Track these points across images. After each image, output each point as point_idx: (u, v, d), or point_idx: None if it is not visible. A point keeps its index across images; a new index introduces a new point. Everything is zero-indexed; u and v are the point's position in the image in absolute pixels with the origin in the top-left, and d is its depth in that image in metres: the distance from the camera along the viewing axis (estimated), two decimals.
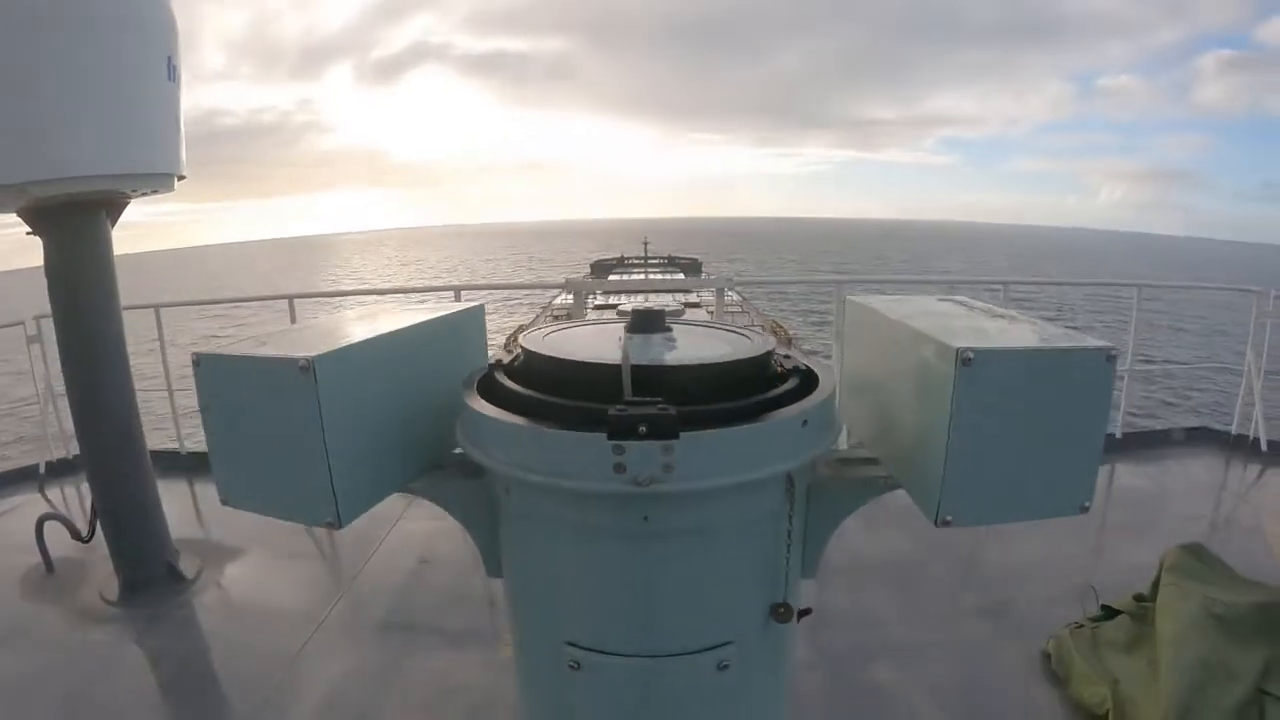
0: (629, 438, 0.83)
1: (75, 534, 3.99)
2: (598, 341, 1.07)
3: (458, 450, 1.06)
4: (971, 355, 0.87)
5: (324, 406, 0.91)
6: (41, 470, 5.29)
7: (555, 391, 0.95)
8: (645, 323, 1.08)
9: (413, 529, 4.19)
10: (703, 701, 0.99)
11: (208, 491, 4.68)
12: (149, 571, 3.73)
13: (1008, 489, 0.94)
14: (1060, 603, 3.20)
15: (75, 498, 4.98)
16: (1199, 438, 5.53)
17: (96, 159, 3.04)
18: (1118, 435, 5.37)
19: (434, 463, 1.13)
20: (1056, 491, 0.94)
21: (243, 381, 0.97)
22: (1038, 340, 0.98)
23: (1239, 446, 5.27)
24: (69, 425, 5.39)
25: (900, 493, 1.13)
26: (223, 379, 0.99)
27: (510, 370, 1.06)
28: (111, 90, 3.01)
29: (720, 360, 1.00)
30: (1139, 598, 3.04)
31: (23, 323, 5.34)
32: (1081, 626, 3.00)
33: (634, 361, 0.90)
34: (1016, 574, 3.65)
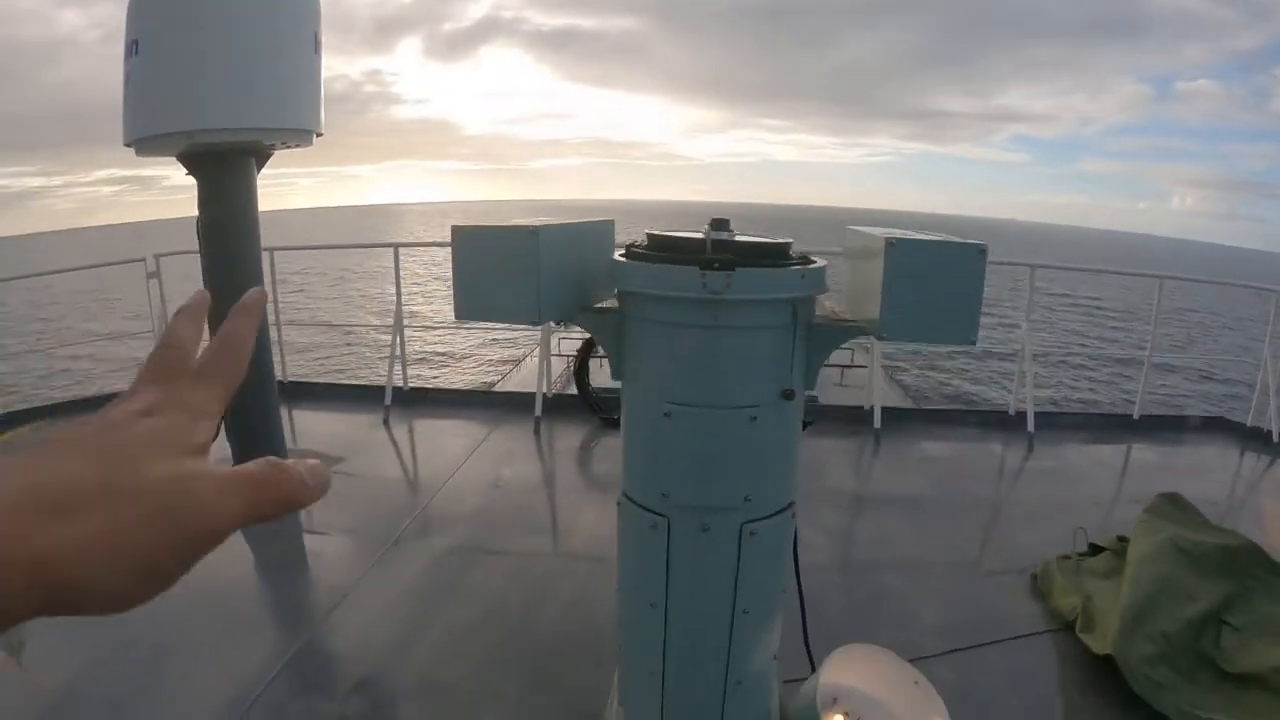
0: (708, 269, 1.46)
1: None
2: (692, 232, 1.71)
3: (596, 305, 1.70)
4: (894, 241, 1.42)
5: (541, 255, 1.50)
6: None
7: (670, 250, 1.59)
8: (719, 224, 1.66)
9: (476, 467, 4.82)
10: (741, 439, 1.60)
11: (316, 419, 5.34)
12: None
13: (918, 323, 1.49)
14: (1055, 544, 3.60)
15: None
16: (1215, 426, 5.82)
17: (249, 113, 3.67)
18: (1135, 417, 5.71)
19: (584, 306, 1.71)
20: (951, 329, 1.48)
21: (487, 242, 1.59)
22: (939, 238, 1.52)
23: (1253, 437, 5.53)
24: None
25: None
26: (470, 241, 1.60)
27: (638, 247, 1.68)
28: (265, 57, 3.64)
29: (757, 240, 1.65)
30: (1121, 538, 3.47)
31: (144, 259, 6.01)
32: (1068, 558, 3.44)
33: (709, 239, 1.55)
34: (1022, 520, 4.13)
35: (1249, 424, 5.66)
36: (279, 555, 3.67)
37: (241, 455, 4.31)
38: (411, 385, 6.20)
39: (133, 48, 3.51)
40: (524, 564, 3.61)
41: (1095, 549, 3.51)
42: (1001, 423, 5.68)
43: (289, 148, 4.03)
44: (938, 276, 1.47)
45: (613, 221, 1.88)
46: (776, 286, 1.52)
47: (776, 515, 1.70)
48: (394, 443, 5.34)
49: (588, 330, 1.84)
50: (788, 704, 2.16)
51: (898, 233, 1.51)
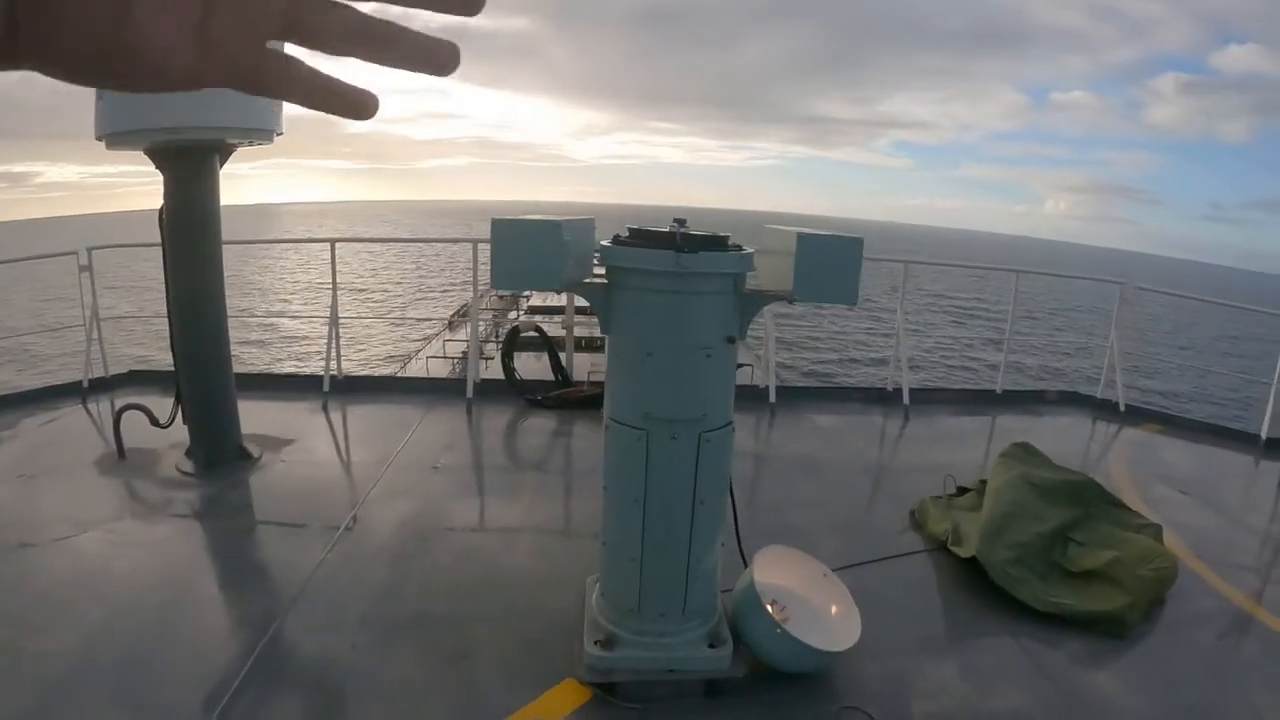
0: (680, 250, 2.14)
1: (155, 421, 4.77)
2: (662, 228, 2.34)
3: (586, 280, 2.34)
4: (803, 235, 2.16)
5: (562, 241, 2.11)
6: (85, 385, 5.97)
7: (650, 239, 2.26)
8: (680, 222, 2.34)
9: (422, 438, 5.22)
10: (699, 371, 2.32)
11: (257, 407, 5.53)
12: (224, 451, 4.62)
13: (819, 289, 2.22)
14: (930, 490, 4.30)
15: (106, 412, 5.52)
16: (1070, 399, 6.80)
17: (214, 113, 3.94)
18: (998, 391, 6.66)
19: (579, 280, 2.32)
20: (840, 293, 2.23)
21: (521, 230, 2.19)
22: (830, 233, 2.25)
23: (1103, 408, 6.51)
24: (108, 347, 6.19)
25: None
26: (508, 230, 2.18)
27: (624, 238, 2.34)
28: None
29: (707, 234, 2.31)
30: (983, 481, 4.24)
31: (75, 252, 6.01)
32: (940, 497, 4.18)
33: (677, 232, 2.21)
34: (901, 473, 4.93)
35: (1099, 396, 6.65)
36: (243, 534, 3.92)
37: (203, 441, 4.54)
38: (346, 374, 6.47)
39: None
40: (482, 529, 4.05)
41: (962, 490, 4.26)
42: (881, 398, 6.50)
43: (252, 145, 4.30)
44: (831, 259, 2.24)
45: (594, 219, 2.53)
46: (723, 264, 2.27)
47: (723, 428, 2.44)
48: (334, 428, 5.62)
49: (582, 296, 2.45)
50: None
51: (806, 230, 2.23)
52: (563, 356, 6.57)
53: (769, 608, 2.81)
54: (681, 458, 2.39)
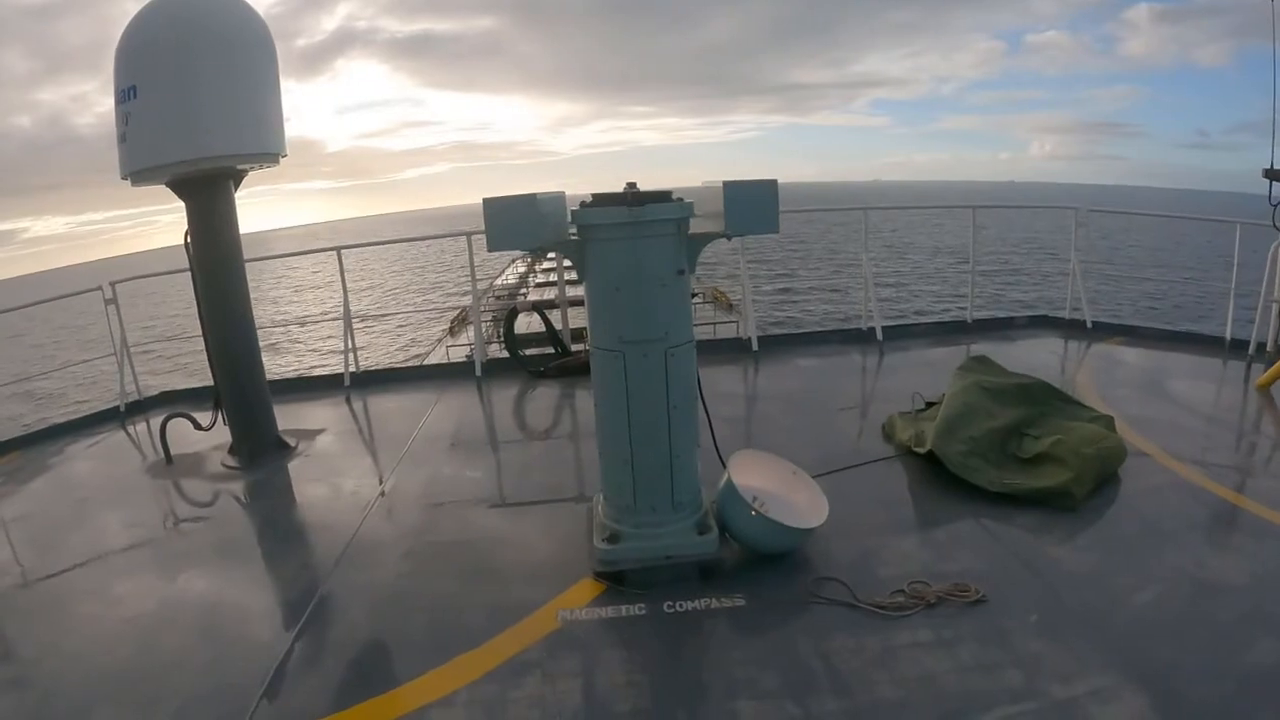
0: (631, 205, 2.71)
1: (197, 425, 5.32)
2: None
3: (565, 237, 2.92)
4: (728, 182, 2.70)
5: (539, 210, 2.71)
6: (122, 409, 6.47)
7: (608, 201, 2.83)
8: (630, 185, 2.88)
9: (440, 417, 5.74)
10: (659, 298, 2.89)
11: (287, 407, 6.06)
12: (264, 444, 5.14)
13: (747, 224, 2.79)
14: (901, 408, 4.76)
15: (146, 430, 6.05)
16: (1039, 323, 7.20)
17: (227, 142, 4.45)
18: (969, 321, 7.12)
19: (558, 240, 2.90)
20: (765, 224, 2.78)
21: (504, 203, 2.75)
22: (752, 180, 2.75)
23: (1072, 326, 6.90)
24: (139, 375, 6.70)
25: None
26: (499, 204, 2.75)
27: (589, 203, 2.90)
28: (238, 93, 4.42)
29: (652, 190, 2.85)
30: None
31: (100, 287, 6.53)
32: (908, 413, 4.64)
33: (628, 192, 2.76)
34: (875, 399, 5.44)
35: (1067, 317, 7.04)
36: (291, 508, 4.50)
37: (244, 437, 5.06)
38: (364, 369, 7.00)
39: (129, 93, 4.23)
40: (500, 480, 4.59)
41: (929, 405, 4.73)
42: (858, 338, 6.99)
43: (260, 168, 4.80)
44: (752, 198, 2.79)
45: (564, 192, 3.08)
46: (666, 212, 2.84)
47: (684, 345, 3.00)
48: (358, 416, 6.15)
49: (561, 254, 3.08)
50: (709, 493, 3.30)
51: (730, 179, 2.77)
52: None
53: (748, 500, 3.33)
54: (653, 371, 2.93)
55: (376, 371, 7.19)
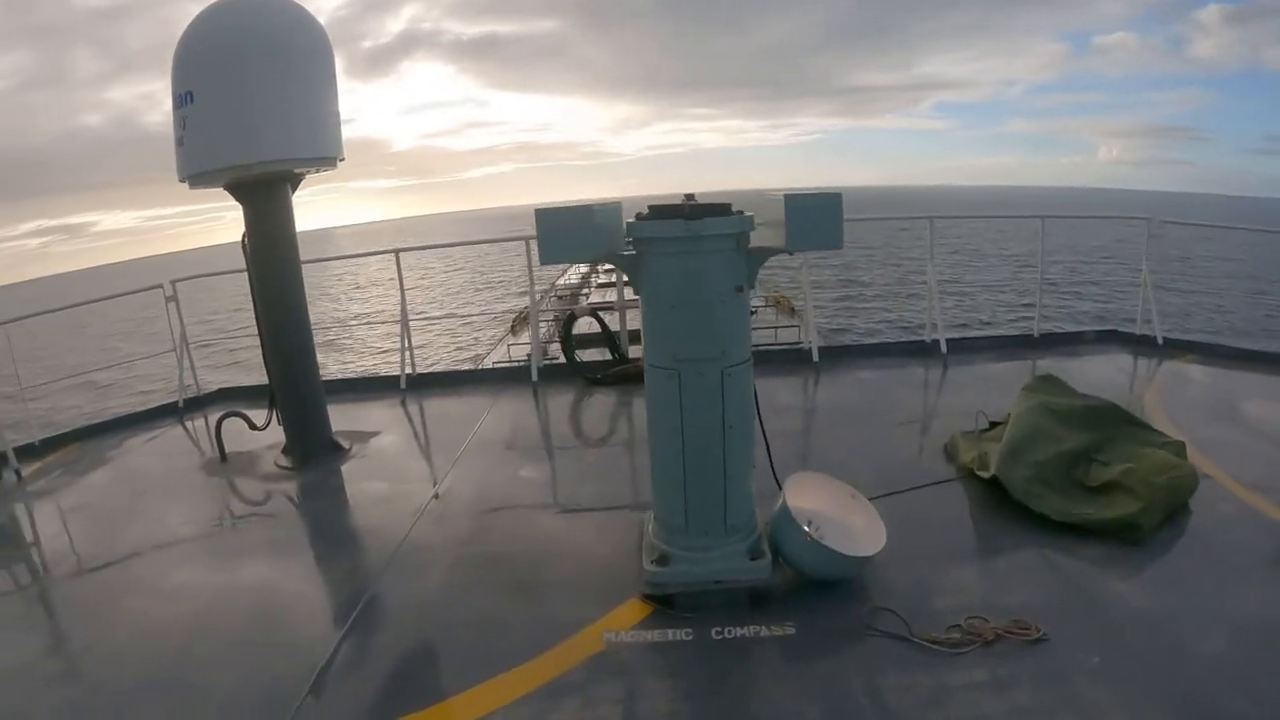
0: (688, 219, 2.61)
1: (252, 424, 5.42)
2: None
3: (621, 252, 2.84)
4: (789, 195, 2.57)
5: (594, 221, 2.68)
6: (180, 405, 6.65)
7: (667, 213, 2.74)
8: (689, 197, 2.80)
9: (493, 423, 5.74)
10: (716, 315, 2.78)
11: (343, 408, 6.16)
12: (317, 446, 5.20)
13: (809, 240, 2.66)
14: (963, 428, 4.54)
15: (203, 426, 6.22)
16: (1108, 338, 6.86)
17: (283, 147, 4.50)
18: (1035, 335, 6.81)
19: (613, 252, 2.83)
20: (827, 241, 2.66)
21: (560, 215, 2.74)
22: (814, 191, 2.63)
23: (1142, 343, 6.55)
24: (200, 369, 6.86)
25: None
26: (553, 215, 2.71)
27: (646, 214, 2.80)
28: (295, 97, 4.47)
29: (711, 204, 2.76)
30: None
31: (161, 285, 6.72)
32: (971, 432, 4.45)
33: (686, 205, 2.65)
34: (937, 415, 5.25)
35: (1137, 332, 6.67)
36: (342, 511, 4.58)
37: (298, 438, 5.13)
38: (420, 371, 7.03)
39: (186, 98, 4.32)
40: (553, 489, 4.56)
41: (993, 424, 4.53)
42: (921, 350, 6.75)
43: (317, 172, 4.85)
44: (814, 213, 2.66)
45: (619, 203, 2.94)
46: (725, 226, 2.73)
47: (742, 364, 2.88)
48: (413, 419, 6.19)
49: (616, 266, 2.97)
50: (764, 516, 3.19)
51: (792, 191, 2.64)
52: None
53: (804, 525, 3.20)
54: (709, 390, 2.83)
55: (433, 374, 7.24)
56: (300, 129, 4.49)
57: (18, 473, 5.45)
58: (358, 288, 54.48)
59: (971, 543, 3.50)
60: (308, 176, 4.93)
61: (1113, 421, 4.17)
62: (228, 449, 5.35)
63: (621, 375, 6.45)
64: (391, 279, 6.85)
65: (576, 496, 4.35)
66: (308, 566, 3.84)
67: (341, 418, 5.79)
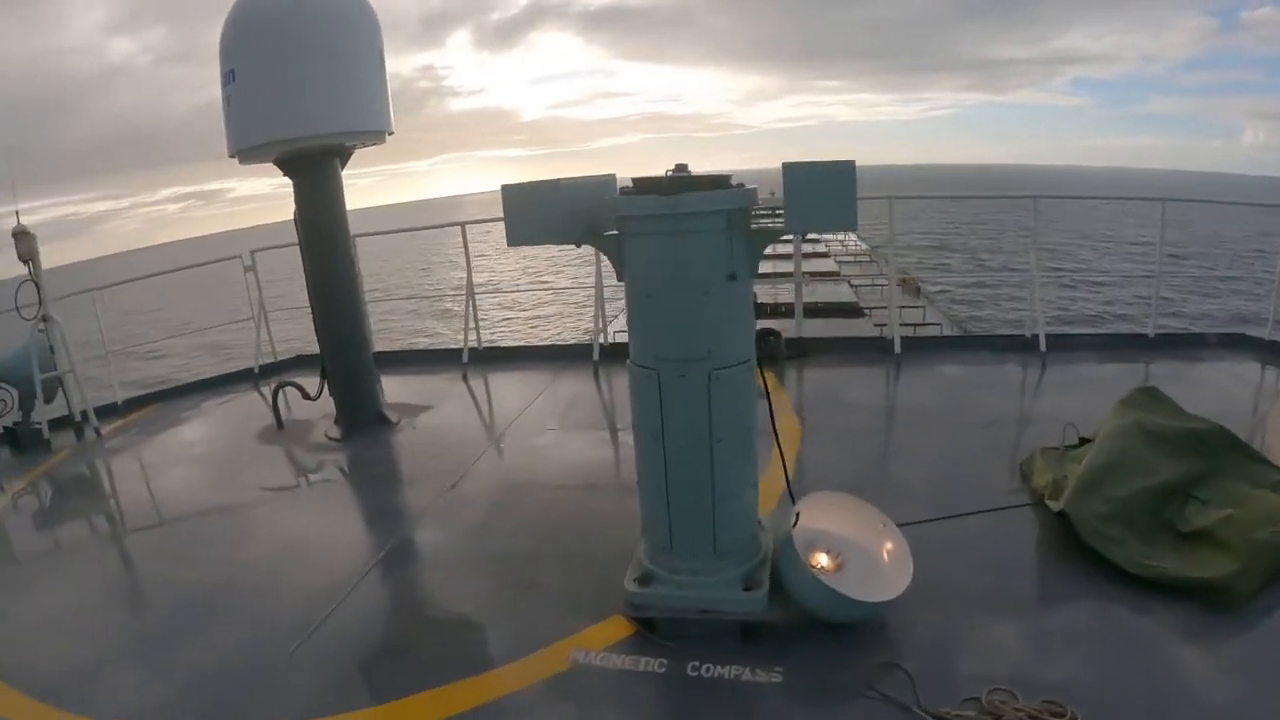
0: (666, 193, 2.21)
1: (305, 394, 5.56)
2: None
3: (606, 233, 2.52)
4: (788, 164, 2.12)
5: (564, 199, 2.35)
6: (256, 370, 6.98)
7: (645, 187, 2.37)
8: (680, 167, 2.41)
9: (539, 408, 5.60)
10: (700, 309, 2.37)
11: (405, 380, 6.24)
12: (365, 418, 5.24)
13: (812, 218, 2.26)
14: (1050, 442, 3.88)
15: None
16: (1234, 343, 5.83)
17: (334, 120, 4.47)
18: (1151, 335, 5.86)
19: (596, 231, 2.51)
20: (837, 220, 2.28)
21: (532, 190, 2.43)
22: (822, 160, 2.18)
23: (1273, 351, 5.52)
24: (276, 337, 7.11)
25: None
26: (518, 191, 2.44)
27: (629, 189, 2.45)
28: (340, 72, 4.41)
29: (699, 175, 2.36)
30: None
31: (240, 256, 6.99)
32: (1055, 449, 3.82)
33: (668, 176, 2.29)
34: (1022, 424, 4.56)
35: (1267, 338, 5.65)
36: (368, 488, 4.60)
37: (346, 410, 5.17)
38: (485, 345, 7.00)
39: (230, 76, 4.35)
40: (578, 482, 4.33)
41: (1084, 441, 3.88)
42: (1019, 346, 5.98)
43: (366, 146, 4.81)
44: (821, 186, 2.20)
45: (614, 175, 2.63)
46: (710, 203, 2.30)
47: (735, 366, 2.48)
48: (468, 394, 6.15)
49: (598, 249, 2.63)
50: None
51: (793, 160, 2.19)
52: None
53: (823, 555, 2.81)
54: (692, 395, 2.46)
55: (497, 349, 7.20)
56: (345, 104, 4.45)
57: (97, 430, 5.89)
58: (483, 256, 56.62)
59: (1021, 590, 2.93)
60: (383, 146, 4.98)
61: (1221, 450, 3.44)
62: (292, 417, 5.58)
63: None
64: (486, 253, 6.87)
65: (601, 486, 4.11)
66: (312, 545, 3.81)
67: (402, 388, 5.88)
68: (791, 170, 2.20)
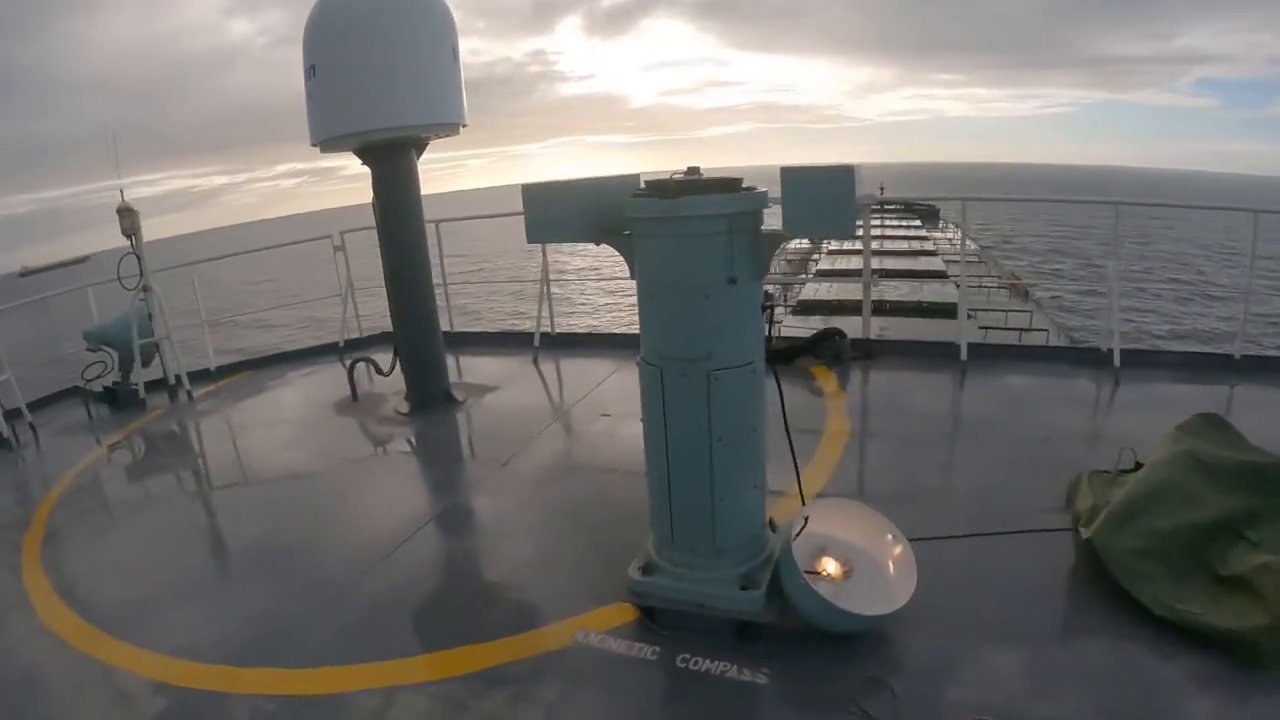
0: (667, 196, 2.32)
1: (379, 369, 5.97)
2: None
3: (622, 232, 2.62)
4: (786, 168, 2.21)
5: (579, 199, 2.54)
6: (341, 344, 7.49)
7: (652, 189, 2.47)
8: (692, 170, 2.52)
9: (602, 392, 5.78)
10: (700, 310, 2.46)
11: (477, 361, 6.57)
12: (432, 395, 5.55)
13: (810, 223, 2.31)
14: (1107, 465, 3.64)
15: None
16: None
17: (409, 114, 4.74)
18: (1236, 357, 5.40)
19: (612, 231, 2.62)
20: (834, 226, 2.27)
21: (551, 190, 2.61)
22: (820, 166, 2.23)
23: None
24: (361, 313, 7.58)
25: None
26: (539, 191, 2.61)
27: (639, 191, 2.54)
28: (416, 67, 4.68)
29: (707, 179, 2.44)
30: None
31: (330, 236, 7.49)
32: (1107, 472, 3.60)
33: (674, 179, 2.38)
34: (1082, 443, 4.30)
35: None
36: (426, 462, 4.96)
37: (414, 387, 5.49)
38: (559, 330, 7.22)
39: (311, 70, 4.68)
40: (622, 469, 4.47)
41: (1139, 466, 3.67)
42: (1092, 359, 5.66)
43: (440, 138, 5.08)
44: (818, 191, 2.25)
45: (639, 176, 2.70)
46: (711, 206, 2.38)
47: (737, 368, 2.54)
48: (535, 378, 6.39)
49: (615, 248, 2.74)
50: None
51: (792, 165, 2.26)
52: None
53: (831, 561, 2.84)
54: (692, 394, 2.55)
55: (568, 335, 7.42)
56: (419, 98, 4.72)
57: (189, 393, 6.54)
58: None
59: (1035, 618, 2.80)
60: (459, 138, 5.25)
61: None
62: (366, 390, 6.00)
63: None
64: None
65: (645, 475, 4.25)
66: (364, 511, 4.12)
67: (474, 368, 6.24)
68: (789, 175, 2.25)
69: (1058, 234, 47.62)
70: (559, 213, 2.60)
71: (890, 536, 2.90)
